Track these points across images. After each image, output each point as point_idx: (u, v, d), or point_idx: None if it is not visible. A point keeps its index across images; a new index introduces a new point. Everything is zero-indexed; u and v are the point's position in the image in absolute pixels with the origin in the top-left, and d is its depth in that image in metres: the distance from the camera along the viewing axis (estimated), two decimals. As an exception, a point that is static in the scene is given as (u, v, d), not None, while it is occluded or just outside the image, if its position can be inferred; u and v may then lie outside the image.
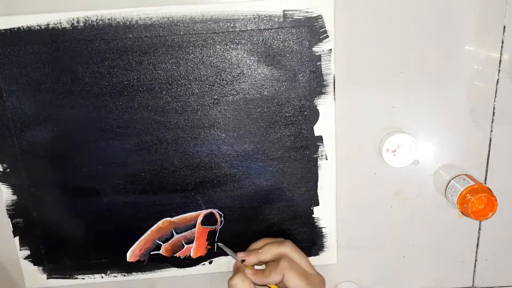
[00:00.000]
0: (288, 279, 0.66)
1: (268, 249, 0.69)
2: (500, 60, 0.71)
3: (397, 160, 0.71)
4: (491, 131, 0.74)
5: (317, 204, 0.76)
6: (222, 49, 0.68)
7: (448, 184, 0.74)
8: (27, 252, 0.76)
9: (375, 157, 0.74)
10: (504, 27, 0.69)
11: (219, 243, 0.76)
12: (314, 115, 0.71)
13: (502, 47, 0.70)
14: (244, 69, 0.69)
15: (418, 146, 0.73)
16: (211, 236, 0.77)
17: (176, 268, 0.78)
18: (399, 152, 0.71)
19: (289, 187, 0.75)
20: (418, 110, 0.73)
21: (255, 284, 0.67)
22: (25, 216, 0.74)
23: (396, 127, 0.73)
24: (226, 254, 0.76)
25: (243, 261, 0.70)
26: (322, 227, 0.77)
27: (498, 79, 0.72)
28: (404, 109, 0.73)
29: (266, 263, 0.70)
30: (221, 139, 0.72)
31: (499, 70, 0.71)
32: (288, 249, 0.69)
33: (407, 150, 0.71)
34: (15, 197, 0.73)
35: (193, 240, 0.77)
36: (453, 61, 0.71)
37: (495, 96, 0.72)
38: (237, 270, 0.70)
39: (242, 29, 0.67)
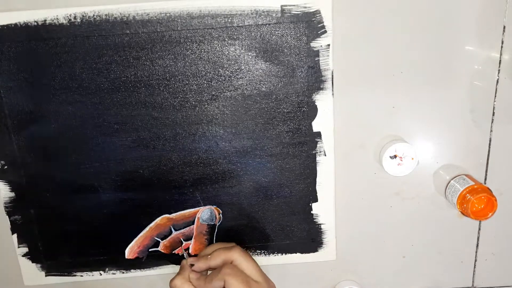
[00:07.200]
0: (228, 285, 0.65)
1: (217, 255, 0.69)
2: (500, 60, 0.71)
3: (398, 169, 0.72)
4: (491, 131, 0.74)
5: (315, 200, 0.75)
6: (220, 45, 0.68)
7: (448, 184, 0.74)
8: (25, 250, 0.76)
9: (375, 156, 0.74)
10: (504, 27, 0.69)
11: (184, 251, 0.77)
12: (312, 111, 0.71)
13: (502, 47, 0.70)
14: (242, 64, 0.69)
15: (418, 148, 0.74)
16: (209, 233, 0.77)
17: (174, 265, 0.78)
18: (402, 162, 0.71)
19: (288, 183, 0.74)
20: (418, 110, 0.73)
21: None
22: (23, 213, 0.74)
23: (396, 127, 0.73)
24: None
25: (192, 265, 0.69)
26: (320, 224, 0.77)
27: (498, 79, 0.71)
28: (404, 109, 0.72)
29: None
30: (219, 135, 0.72)
31: (499, 70, 0.71)
32: (236, 254, 0.68)
33: (408, 160, 0.71)
34: (13, 194, 0.73)
35: (192, 237, 0.76)
36: (453, 61, 0.71)
37: (495, 96, 0.72)
38: (181, 270, 0.69)
39: (240, 24, 0.67)
